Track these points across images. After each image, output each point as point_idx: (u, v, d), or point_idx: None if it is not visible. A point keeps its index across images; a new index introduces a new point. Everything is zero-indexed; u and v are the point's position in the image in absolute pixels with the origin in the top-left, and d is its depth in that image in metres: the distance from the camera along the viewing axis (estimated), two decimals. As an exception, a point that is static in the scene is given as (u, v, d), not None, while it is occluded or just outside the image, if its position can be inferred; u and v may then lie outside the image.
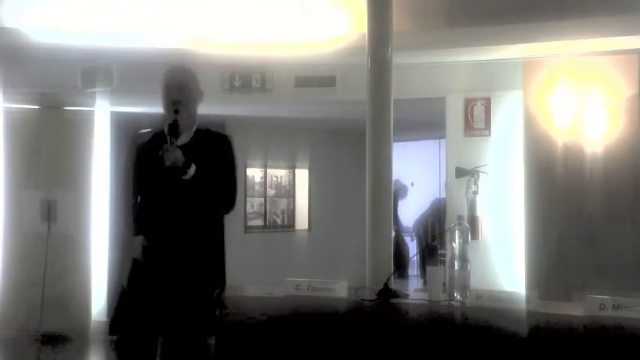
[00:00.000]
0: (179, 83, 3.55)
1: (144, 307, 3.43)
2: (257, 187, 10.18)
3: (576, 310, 3.28)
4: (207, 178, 3.44)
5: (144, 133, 3.66)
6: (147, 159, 3.52)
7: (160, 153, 3.37)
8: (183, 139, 3.51)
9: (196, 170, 3.40)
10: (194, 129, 3.59)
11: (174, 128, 3.44)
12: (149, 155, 3.49)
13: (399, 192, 11.51)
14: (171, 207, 3.46)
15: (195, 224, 3.47)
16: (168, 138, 3.42)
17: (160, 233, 3.47)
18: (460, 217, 3.90)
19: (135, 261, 3.52)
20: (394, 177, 5.75)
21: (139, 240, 3.53)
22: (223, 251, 3.61)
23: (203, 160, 3.45)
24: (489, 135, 6.98)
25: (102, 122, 7.61)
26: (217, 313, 3.50)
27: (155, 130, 3.60)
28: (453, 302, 3.55)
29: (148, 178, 3.53)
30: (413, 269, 11.71)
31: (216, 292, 3.52)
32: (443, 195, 9.53)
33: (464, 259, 3.63)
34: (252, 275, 7.81)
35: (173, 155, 3.36)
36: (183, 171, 3.37)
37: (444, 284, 3.69)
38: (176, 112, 3.48)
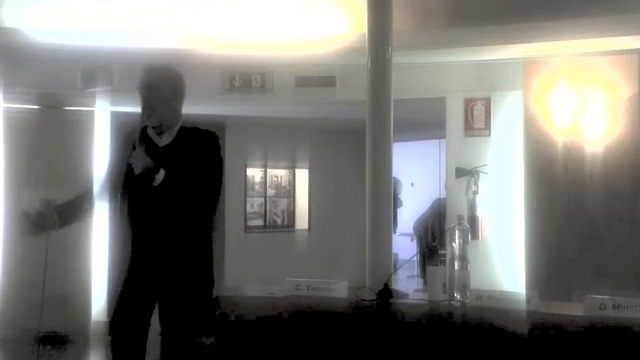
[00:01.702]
0: (147, 85, 3.40)
1: (138, 308, 3.41)
2: (257, 187, 10.18)
3: (576, 310, 3.28)
4: (182, 181, 3.28)
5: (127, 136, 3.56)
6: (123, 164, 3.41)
7: (128, 160, 3.27)
8: (166, 139, 3.41)
9: (168, 175, 3.24)
10: (177, 129, 3.45)
11: (142, 133, 3.34)
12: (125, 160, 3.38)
13: (395, 188, 11.54)
14: (148, 211, 3.36)
15: (174, 228, 3.35)
16: (136, 144, 3.29)
17: (143, 237, 3.40)
18: (460, 217, 3.90)
19: (129, 263, 3.49)
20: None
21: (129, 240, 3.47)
22: (211, 251, 3.50)
23: (185, 161, 3.32)
24: (489, 135, 6.98)
25: (102, 122, 7.61)
26: (214, 313, 3.49)
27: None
28: (453, 302, 3.55)
29: (125, 180, 3.43)
30: (413, 269, 11.72)
31: (206, 292, 3.47)
32: (443, 195, 9.54)
33: (464, 259, 3.63)
34: (252, 275, 7.83)
35: (138, 161, 3.24)
36: (150, 177, 3.23)
37: (444, 284, 3.69)
38: (148, 116, 3.37)
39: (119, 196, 3.48)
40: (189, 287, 3.38)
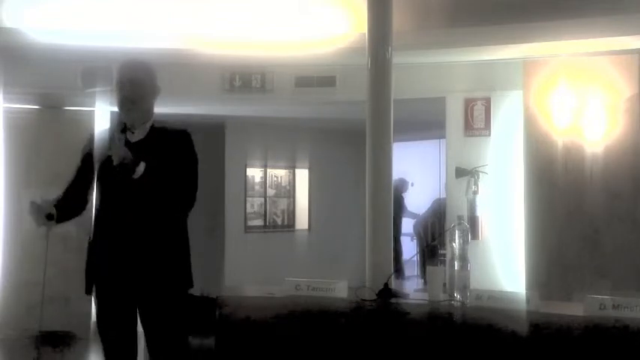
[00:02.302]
0: (131, 79, 3.41)
1: (119, 308, 3.40)
2: (257, 187, 10.18)
3: (576, 310, 3.28)
4: (160, 176, 3.26)
5: (102, 131, 3.56)
6: (99, 155, 3.40)
7: (108, 152, 3.26)
8: (138, 135, 3.39)
9: (147, 168, 3.22)
10: (149, 125, 3.44)
11: (123, 126, 3.32)
12: (102, 152, 3.37)
13: (402, 186, 11.63)
14: (124, 208, 3.33)
15: (150, 224, 3.32)
16: (115, 135, 3.28)
17: (114, 235, 3.37)
18: (460, 217, 3.90)
19: (92, 265, 3.47)
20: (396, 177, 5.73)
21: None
22: (188, 250, 3.46)
23: (159, 157, 3.29)
24: (489, 135, 6.98)
25: (102, 122, 7.61)
26: (214, 313, 3.48)
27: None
28: (453, 302, 3.55)
29: (99, 175, 3.41)
30: (413, 269, 11.72)
31: (183, 290, 3.45)
32: (443, 195, 9.55)
33: (464, 259, 3.63)
34: (252, 275, 7.82)
35: (119, 153, 3.22)
36: (131, 169, 3.20)
37: (444, 284, 3.69)
38: (128, 110, 3.37)
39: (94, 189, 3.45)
40: (165, 284, 3.35)
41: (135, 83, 3.39)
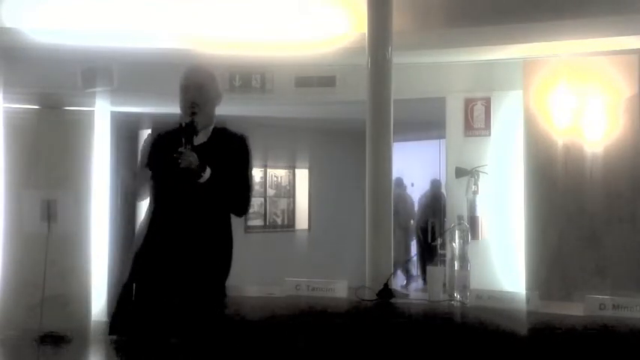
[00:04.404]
0: (197, 84, 3.50)
1: (146, 307, 3.41)
2: (257, 187, 10.18)
3: (576, 310, 3.29)
4: (221, 180, 3.39)
5: (163, 126, 3.61)
6: (161, 148, 3.46)
7: (175, 155, 3.32)
8: (201, 138, 3.46)
9: (211, 174, 3.35)
10: (211, 129, 3.53)
11: (189, 130, 3.38)
12: (164, 145, 3.43)
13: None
14: (183, 207, 3.41)
15: (206, 225, 3.43)
16: (183, 140, 3.36)
17: (170, 232, 3.41)
18: (460, 217, 3.90)
19: (138, 258, 3.49)
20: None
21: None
22: (231, 254, 3.61)
23: (218, 161, 3.40)
24: (489, 135, 6.98)
25: (102, 122, 7.61)
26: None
27: (174, 126, 3.50)
28: (453, 302, 3.56)
29: (160, 167, 3.45)
30: (413, 269, 11.72)
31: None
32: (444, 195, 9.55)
33: (464, 259, 3.64)
34: (252, 275, 7.82)
35: (188, 158, 3.30)
36: (198, 175, 3.32)
37: (444, 284, 3.70)
38: (193, 113, 3.44)
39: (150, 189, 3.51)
40: (209, 286, 3.45)
41: (200, 88, 3.49)
